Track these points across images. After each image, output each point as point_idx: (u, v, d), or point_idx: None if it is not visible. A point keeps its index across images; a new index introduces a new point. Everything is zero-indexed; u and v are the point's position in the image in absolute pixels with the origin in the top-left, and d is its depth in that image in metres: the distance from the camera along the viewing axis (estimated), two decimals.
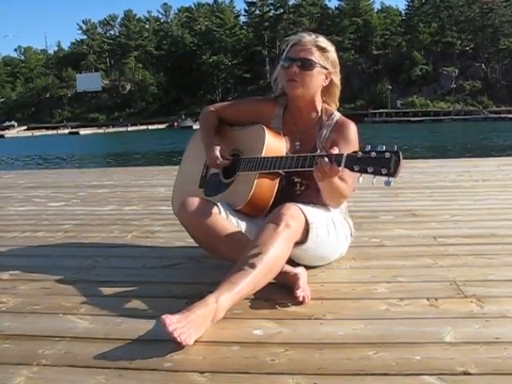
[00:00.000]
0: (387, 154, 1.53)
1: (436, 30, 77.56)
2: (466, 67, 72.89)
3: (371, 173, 1.55)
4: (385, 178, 1.53)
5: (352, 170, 1.59)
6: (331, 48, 2.03)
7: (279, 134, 2.06)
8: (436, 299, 1.73)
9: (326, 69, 2.00)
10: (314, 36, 2.01)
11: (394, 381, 1.24)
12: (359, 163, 1.57)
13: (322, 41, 2.01)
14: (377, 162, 1.54)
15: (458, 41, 75.43)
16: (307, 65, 1.96)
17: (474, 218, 2.96)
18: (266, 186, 1.97)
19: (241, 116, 2.19)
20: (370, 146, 1.58)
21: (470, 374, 1.26)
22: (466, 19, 76.50)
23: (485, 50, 74.64)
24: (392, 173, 1.52)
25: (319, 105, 2.08)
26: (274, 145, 2.00)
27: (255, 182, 1.94)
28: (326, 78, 2.03)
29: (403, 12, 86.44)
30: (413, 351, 1.37)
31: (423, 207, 3.30)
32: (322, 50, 1.99)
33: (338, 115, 2.08)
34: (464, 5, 76.59)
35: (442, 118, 59.69)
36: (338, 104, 2.14)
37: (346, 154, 1.60)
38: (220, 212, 1.93)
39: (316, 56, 1.97)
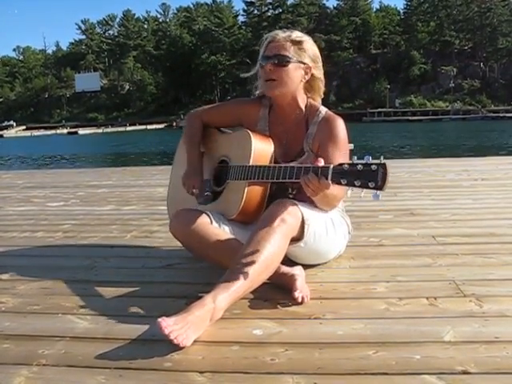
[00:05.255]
0: (373, 167, 1.50)
1: (434, 29, 77.62)
2: (464, 66, 72.96)
3: (359, 186, 1.52)
4: (373, 191, 1.51)
5: (339, 183, 1.56)
6: (307, 40, 1.98)
7: (266, 136, 2.04)
8: (435, 298, 1.73)
9: (304, 63, 1.95)
10: (288, 32, 1.96)
11: (393, 380, 1.25)
12: (346, 176, 1.54)
13: (297, 35, 1.96)
14: (364, 175, 1.51)
15: (456, 40, 75.48)
16: (281, 61, 1.92)
17: (473, 217, 2.97)
18: (256, 194, 1.95)
19: (226, 119, 2.18)
20: (355, 158, 1.56)
21: (469, 373, 1.26)
22: (465, 18, 76.58)
23: (483, 49, 74.67)
24: (380, 186, 1.49)
25: (302, 102, 2.04)
26: (262, 149, 1.98)
27: (246, 190, 1.92)
28: (306, 74, 1.98)
29: (401, 11, 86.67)
30: (412, 350, 1.38)
31: (422, 206, 3.30)
32: (298, 43, 1.94)
33: (323, 111, 2.03)
34: (462, 4, 76.67)
35: (440, 117, 59.70)
36: (323, 95, 2.09)
37: (332, 167, 1.57)
38: (211, 221, 1.92)
39: (291, 51, 1.92)
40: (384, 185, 1.49)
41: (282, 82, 1.94)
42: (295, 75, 1.96)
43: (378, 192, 1.50)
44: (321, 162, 1.61)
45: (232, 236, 1.92)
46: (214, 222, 1.93)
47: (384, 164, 1.50)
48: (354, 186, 1.52)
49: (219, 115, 2.20)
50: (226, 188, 2.03)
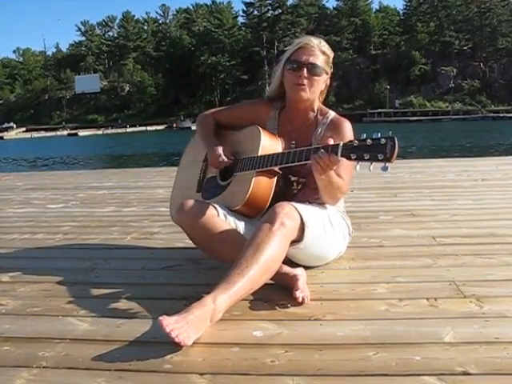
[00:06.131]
0: (383, 140, 1.55)
1: (434, 30, 77.58)
2: (464, 67, 72.92)
3: (368, 160, 1.57)
4: (381, 164, 1.56)
5: (349, 158, 1.61)
6: (331, 52, 2.07)
7: (274, 134, 2.08)
8: (435, 299, 1.73)
9: (327, 73, 2.05)
10: (318, 40, 2.04)
11: (393, 381, 1.24)
12: (355, 151, 1.59)
13: (326, 46, 2.05)
14: (373, 149, 1.56)
15: (456, 40, 75.44)
16: (316, 70, 1.99)
17: (473, 217, 2.97)
18: (263, 186, 1.97)
19: (236, 119, 2.22)
20: (365, 135, 1.61)
21: (469, 374, 1.26)
22: (464, 19, 76.60)
23: (483, 50, 74.67)
24: (388, 158, 1.54)
25: (316, 105, 2.11)
26: (270, 144, 2.02)
27: (253, 180, 1.95)
28: (325, 81, 2.08)
29: (401, 12, 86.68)
30: (412, 351, 1.38)
31: (422, 207, 3.30)
32: (325, 54, 2.03)
33: (332, 114, 2.11)
34: (462, 4, 76.70)
35: (440, 117, 59.69)
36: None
37: (342, 144, 1.63)
38: (218, 213, 1.93)
39: (321, 61, 2.00)
40: (393, 157, 1.55)
41: (311, 89, 2.01)
42: (321, 84, 2.06)
43: (387, 164, 1.55)
44: (331, 141, 1.66)
45: (236, 229, 1.95)
46: (220, 213, 1.95)
47: (393, 137, 1.56)
48: (363, 159, 1.58)
49: (231, 116, 2.26)
50: (232, 181, 2.06)
